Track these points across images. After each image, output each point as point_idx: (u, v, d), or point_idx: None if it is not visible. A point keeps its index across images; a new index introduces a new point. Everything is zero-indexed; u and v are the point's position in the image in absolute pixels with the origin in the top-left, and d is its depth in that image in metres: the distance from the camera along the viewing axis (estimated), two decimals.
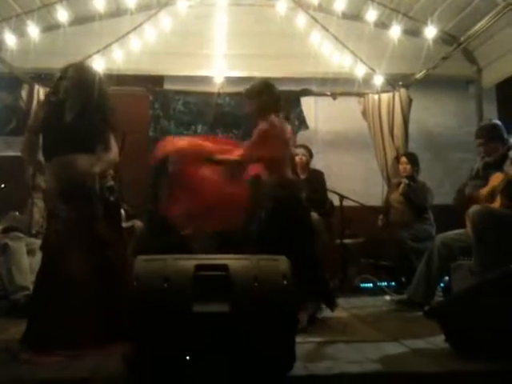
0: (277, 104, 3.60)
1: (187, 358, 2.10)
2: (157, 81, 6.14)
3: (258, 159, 3.53)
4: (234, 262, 2.29)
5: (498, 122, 4.09)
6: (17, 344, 2.76)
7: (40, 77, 5.37)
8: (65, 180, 2.99)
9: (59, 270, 2.84)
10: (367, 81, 5.71)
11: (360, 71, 5.58)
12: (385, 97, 5.99)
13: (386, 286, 5.30)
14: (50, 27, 5.16)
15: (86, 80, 3.12)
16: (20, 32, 4.96)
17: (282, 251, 2.41)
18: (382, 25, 5.35)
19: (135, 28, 5.16)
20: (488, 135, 3.91)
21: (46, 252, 3.05)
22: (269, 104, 3.54)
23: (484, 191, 3.86)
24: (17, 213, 4.59)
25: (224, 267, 2.23)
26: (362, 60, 5.52)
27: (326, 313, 3.62)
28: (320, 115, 6.47)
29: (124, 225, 4.74)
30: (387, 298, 4.24)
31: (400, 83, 5.90)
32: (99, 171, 3.07)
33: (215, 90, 5.85)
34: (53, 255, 2.92)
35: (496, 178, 3.78)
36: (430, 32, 5.12)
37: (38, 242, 4.27)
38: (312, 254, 3.48)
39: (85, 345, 2.62)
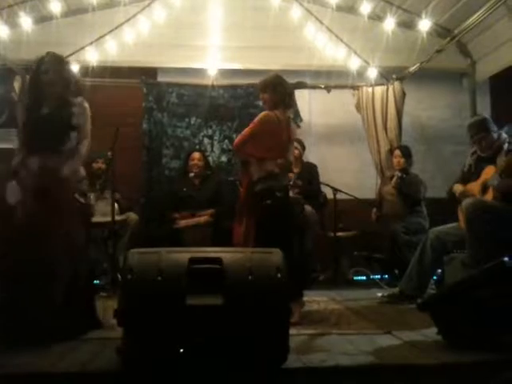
0: (286, 100, 3.59)
1: (181, 350, 2.11)
2: (150, 73, 6.11)
3: (246, 153, 3.56)
4: (227, 255, 2.30)
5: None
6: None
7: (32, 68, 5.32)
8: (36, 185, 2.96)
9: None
10: (361, 73, 5.70)
11: (354, 64, 5.57)
12: (378, 90, 5.99)
13: (379, 278, 5.33)
14: (43, 18, 5.10)
15: (64, 71, 3.14)
16: (12, 23, 4.91)
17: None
18: (376, 17, 5.33)
19: (129, 19, 5.12)
20: (487, 127, 3.92)
21: None
22: (279, 98, 3.54)
23: (476, 184, 3.89)
24: None
25: (218, 260, 2.23)
26: (356, 53, 5.51)
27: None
28: (314, 108, 6.46)
29: (118, 218, 4.75)
30: (379, 294, 4.26)
31: (394, 76, 5.89)
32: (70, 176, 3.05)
33: (209, 82, 5.83)
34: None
35: (488, 171, 3.80)
36: (424, 25, 5.12)
37: None
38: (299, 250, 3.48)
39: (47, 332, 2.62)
